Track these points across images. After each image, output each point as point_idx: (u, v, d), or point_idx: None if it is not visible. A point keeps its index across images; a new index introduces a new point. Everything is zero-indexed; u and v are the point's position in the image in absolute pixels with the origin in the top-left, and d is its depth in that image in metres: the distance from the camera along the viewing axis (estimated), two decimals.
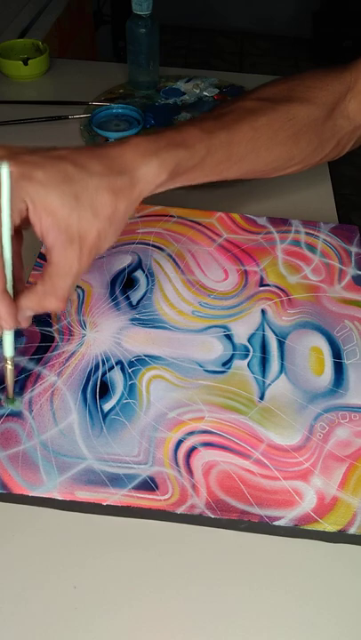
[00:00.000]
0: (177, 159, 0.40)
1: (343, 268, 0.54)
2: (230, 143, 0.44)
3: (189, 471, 0.39)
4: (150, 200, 0.60)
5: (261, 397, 0.43)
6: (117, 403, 0.42)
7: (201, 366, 0.45)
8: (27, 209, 0.34)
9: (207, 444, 0.40)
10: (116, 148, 0.38)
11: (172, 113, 0.77)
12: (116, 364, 0.45)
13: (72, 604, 0.34)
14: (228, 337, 0.47)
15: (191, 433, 0.41)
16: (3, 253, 0.35)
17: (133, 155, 0.38)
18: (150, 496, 0.37)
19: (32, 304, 0.37)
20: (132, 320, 0.48)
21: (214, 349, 0.46)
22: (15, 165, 0.34)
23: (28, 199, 0.34)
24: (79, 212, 0.35)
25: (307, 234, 0.57)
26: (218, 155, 0.43)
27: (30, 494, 0.37)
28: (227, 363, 0.45)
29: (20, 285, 0.39)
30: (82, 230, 0.35)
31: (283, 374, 0.45)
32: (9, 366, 0.41)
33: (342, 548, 0.37)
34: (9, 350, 0.41)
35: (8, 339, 0.40)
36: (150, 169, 0.38)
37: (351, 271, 0.53)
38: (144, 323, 0.48)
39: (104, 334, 0.47)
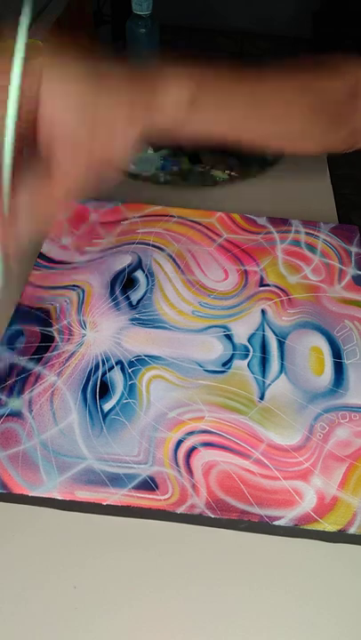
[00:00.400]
0: (199, 84, 0.38)
1: (343, 267, 0.54)
2: (253, 95, 0.43)
3: (189, 471, 0.39)
4: (150, 200, 0.60)
5: (261, 397, 0.43)
6: (117, 403, 0.42)
7: (201, 366, 0.45)
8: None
9: (207, 444, 0.40)
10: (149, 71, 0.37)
11: None
12: (116, 363, 0.45)
13: (72, 603, 0.34)
14: (228, 337, 0.47)
15: (191, 433, 0.41)
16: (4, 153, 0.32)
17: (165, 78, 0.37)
18: (150, 496, 0.37)
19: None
20: (132, 320, 0.48)
21: (214, 349, 0.46)
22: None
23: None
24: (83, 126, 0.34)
25: (307, 234, 0.57)
26: (237, 105, 0.42)
27: (30, 494, 0.37)
28: (227, 363, 0.45)
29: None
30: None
31: (283, 374, 0.45)
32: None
33: (342, 547, 0.37)
34: None
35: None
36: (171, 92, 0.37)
37: (351, 271, 0.53)
38: (144, 323, 0.48)
39: (104, 334, 0.47)
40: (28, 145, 0.35)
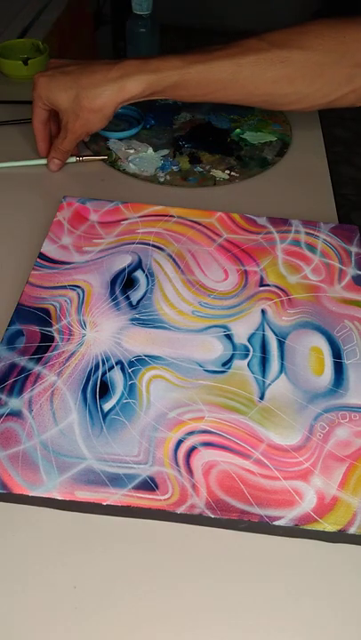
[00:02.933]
0: (149, 81, 0.57)
1: (343, 267, 0.54)
2: (208, 74, 0.57)
3: (189, 471, 0.39)
4: (150, 200, 0.60)
5: (261, 397, 0.43)
6: (117, 402, 0.42)
7: (201, 366, 0.45)
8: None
9: (207, 444, 0.40)
10: (115, 63, 0.59)
11: (172, 113, 0.77)
12: (116, 363, 0.45)
13: (72, 603, 0.34)
14: (228, 337, 0.47)
15: (191, 433, 0.41)
16: None
17: (127, 67, 0.58)
18: (150, 496, 0.37)
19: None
20: (132, 320, 0.48)
21: (214, 349, 0.46)
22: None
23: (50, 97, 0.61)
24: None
25: (307, 234, 0.57)
26: (193, 82, 0.58)
27: (30, 494, 0.37)
28: (227, 363, 0.45)
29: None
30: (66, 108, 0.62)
31: (283, 374, 0.45)
32: None
33: (342, 547, 0.37)
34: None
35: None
36: (129, 81, 0.58)
37: (351, 271, 0.53)
38: (144, 323, 0.48)
39: (104, 334, 0.47)
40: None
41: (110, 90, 0.57)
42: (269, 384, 0.44)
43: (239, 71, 0.56)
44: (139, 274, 0.52)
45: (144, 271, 0.52)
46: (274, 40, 0.57)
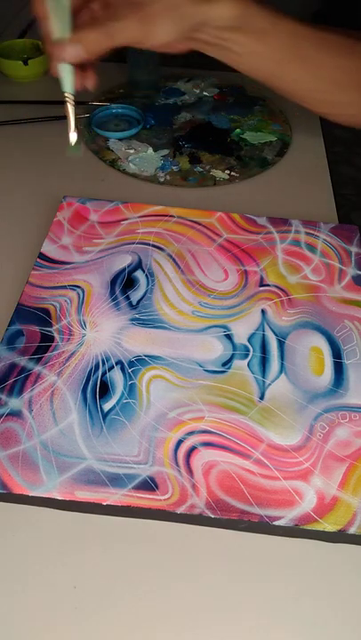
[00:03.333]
0: (249, 9, 0.44)
1: (343, 267, 0.54)
2: (296, 35, 0.47)
3: (189, 471, 0.39)
4: (150, 200, 0.60)
5: (261, 397, 0.43)
6: (117, 402, 0.42)
7: (201, 366, 0.45)
8: None
9: (207, 444, 0.40)
10: None
11: (172, 113, 0.77)
12: (116, 363, 0.45)
13: (72, 603, 0.34)
14: (228, 337, 0.47)
15: (191, 433, 0.41)
16: None
17: None
18: (150, 496, 0.37)
19: (82, 34, 0.43)
20: (132, 320, 0.48)
21: (214, 349, 0.46)
22: None
23: None
24: None
25: (307, 234, 0.57)
26: (282, 37, 0.46)
27: (30, 494, 0.37)
28: (227, 363, 0.45)
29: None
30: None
31: (283, 374, 0.45)
32: (68, 101, 0.44)
33: (342, 547, 0.37)
34: (67, 85, 0.44)
35: (64, 72, 0.44)
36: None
37: (351, 271, 0.53)
38: (144, 323, 0.48)
39: (104, 334, 0.47)
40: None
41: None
42: (269, 384, 0.44)
43: (322, 45, 0.48)
44: (139, 274, 0.52)
45: (144, 271, 0.52)
46: (347, 32, 0.50)
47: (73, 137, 0.46)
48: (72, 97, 0.44)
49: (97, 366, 0.44)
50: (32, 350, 0.45)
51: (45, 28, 0.43)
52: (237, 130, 0.74)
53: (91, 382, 0.43)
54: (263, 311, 0.49)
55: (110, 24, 0.42)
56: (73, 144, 0.46)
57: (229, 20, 0.44)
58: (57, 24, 0.42)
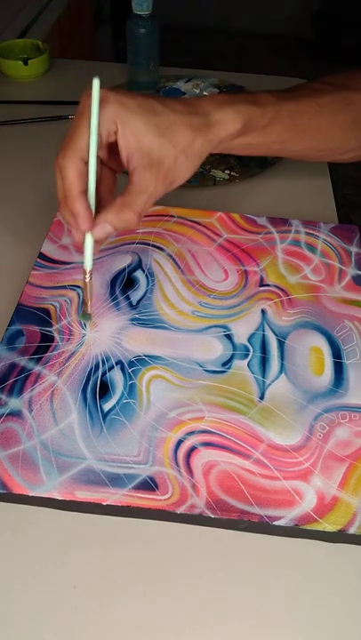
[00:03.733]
0: (250, 113, 0.45)
1: (343, 267, 0.54)
2: (296, 112, 0.48)
3: (189, 471, 0.39)
4: None
5: (261, 397, 0.43)
6: (117, 402, 0.42)
7: (201, 366, 0.45)
8: (115, 132, 0.40)
9: (207, 444, 0.40)
10: (195, 98, 0.44)
11: None
12: (116, 363, 0.45)
13: (72, 603, 0.34)
14: (228, 337, 0.47)
15: (191, 433, 0.41)
16: (89, 162, 0.39)
17: (210, 103, 0.43)
18: (150, 496, 0.37)
19: (111, 216, 0.41)
20: (132, 320, 0.48)
21: (214, 349, 0.46)
22: (113, 93, 0.40)
23: (118, 121, 0.39)
24: (160, 140, 0.40)
25: (307, 234, 0.57)
26: (285, 121, 0.48)
27: (30, 494, 0.37)
28: (227, 363, 0.45)
29: (100, 204, 0.43)
30: (161, 156, 0.40)
31: (283, 374, 0.45)
32: (87, 279, 0.44)
33: (342, 547, 0.37)
34: (88, 263, 0.43)
35: (88, 249, 0.42)
36: (225, 115, 0.43)
37: (351, 271, 0.53)
38: (144, 323, 0.48)
39: (104, 334, 0.47)
40: (110, 165, 0.44)
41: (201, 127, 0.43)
42: (269, 384, 0.44)
43: (320, 112, 0.49)
44: (139, 274, 0.52)
45: (144, 271, 0.52)
46: (334, 82, 0.52)
47: (89, 309, 0.46)
48: (91, 273, 0.44)
49: (97, 366, 0.44)
50: (32, 350, 0.45)
51: (71, 204, 0.40)
52: None
53: (91, 382, 0.43)
54: (263, 311, 0.49)
55: (138, 200, 0.41)
56: (88, 314, 0.46)
57: (237, 131, 0.45)
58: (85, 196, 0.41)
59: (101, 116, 0.39)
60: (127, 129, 0.40)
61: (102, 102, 0.39)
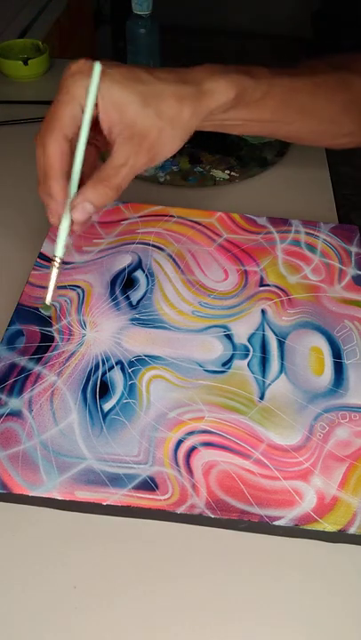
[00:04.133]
0: (243, 84, 0.42)
1: (343, 267, 0.54)
2: (291, 89, 0.46)
3: (189, 471, 0.39)
4: (150, 200, 0.60)
5: (261, 397, 0.43)
6: (117, 402, 0.42)
7: (201, 366, 0.45)
8: (97, 104, 0.37)
9: (207, 444, 0.40)
10: (187, 67, 0.41)
11: None
12: (116, 363, 0.45)
13: (72, 603, 0.34)
14: (228, 337, 0.47)
15: (191, 433, 0.41)
16: (78, 145, 0.37)
17: (202, 71, 0.41)
18: (150, 496, 0.37)
19: (89, 192, 0.38)
20: (132, 320, 0.48)
21: (214, 349, 0.46)
22: (98, 63, 0.37)
23: (98, 93, 0.37)
24: (144, 110, 0.37)
25: (307, 234, 0.57)
26: (279, 96, 0.45)
27: (30, 494, 0.37)
28: (227, 363, 0.45)
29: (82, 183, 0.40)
30: (144, 128, 0.38)
31: (283, 374, 0.45)
32: (55, 266, 0.41)
33: (342, 547, 0.37)
34: (60, 249, 0.40)
35: (62, 235, 0.40)
36: (218, 85, 0.41)
37: (351, 271, 0.53)
38: (144, 323, 0.48)
39: (104, 334, 0.47)
40: (93, 142, 0.41)
41: (192, 96, 0.40)
42: (269, 384, 0.44)
43: (316, 91, 0.48)
44: (139, 274, 0.52)
45: (144, 271, 0.52)
46: (334, 62, 0.50)
47: (48, 299, 0.42)
48: (60, 261, 0.41)
49: (97, 366, 0.44)
50: (32, 350, 0.45)
51: (49, 184, 0.38)
52: None
53: (91, 382, 0.43)
54: (263, 311, 0.49)
55: (116, 174, 0.39)
56: (48, 304, 0.42)
57: (229, 102, 0.42)
58: (65, 181, 0.39)
59: (81, 87, 0.36)
60: (108, 100, 0.37)
61: (83, 73, 0.36)
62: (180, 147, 0.41)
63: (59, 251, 0.41)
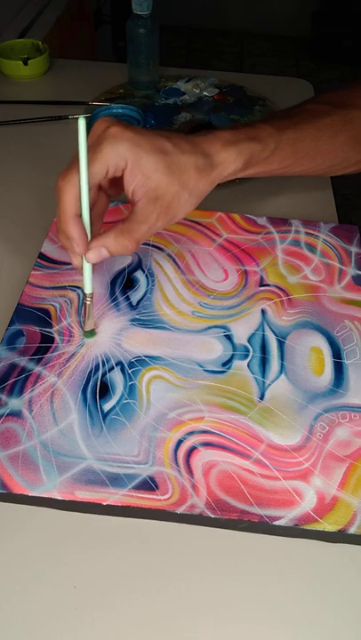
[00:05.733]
0: (251, 151, 0.46)
1: (343, 267, 0.54)
2: (296, 140, 0.50)
3: (189, 471, 0.39)
4: None
5: (261, 397, 0.43)
6: (117, 403, 0.42)
7: (201, 366, 0.45)
8: (123, 168, 0.41)
9: (207, 444, 0.40)
10: (202, 136, 0.45)
11: (172, 113, 0.77)
12: (116, 364, 0.45)
13: (72, 603, 0.34)
14: (228, 337, 0.47)
15: (191, 433, 0.41)
16: (81, 193, 0.40)
17: (215, 144, 0.45)
18: (150, 496, 0.37)
19: (110, 240, 0.42)
20: (132, 320, 0.48)
21: (214, 349, 0.46)
22: (128, 132, 0.41)
23: (129, 159, 0.41)
24: (169, 178, 0.42)
25: (307, 234, 0.57)
26: (285, 150, 0.49)
27: (30, 494, 0.37)
28: (227, 363, 0.45)
29: (95, 229, 0.44)
30: (167, 193, 0.42)
31: (283, 374, 0.45)
32: (88, 302, 0.45)
33: (342, 547, 0.37)
34: (88, 286, 0.44)
35: (87, 274, 0.43)
36: (229, 156, 0.45)
37: (351, 271, 0.53)
38: (144, 323, 0.48)
39: (104, 335, 0.47)
40: (108, 192, 0.45)
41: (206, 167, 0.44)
42: (269, 384, 0.44)
43: (319, 136, 0.51)
44: (139, 274, 0.52)
45: (144, 271, 0.52)
46: (331, 101, 0.53)
47: (88, 327, 0.46)
48: (92, 296, 0.45)
49: (97, 367, 0.44)
50: (32, 351, 0.45)
51: (66, 227, 0.41)
52: None
53: (91, 383, 0.43)
54: (263, 311, 0.49)
55: (138, 229, 0.42)
56: (90, 331, 0.46)
57: (238, 169, 0.46)
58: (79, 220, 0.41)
59: (113, 151, 0.40)
60: (137, 167, 0.41)
61: (117, 139, 0.41)
62: (192, 210, 0.45)
63: (87, 288, 0.44)
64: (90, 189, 0.41)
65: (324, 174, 0.56)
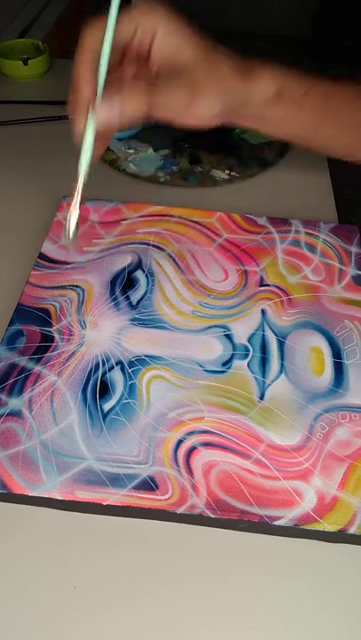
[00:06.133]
0: (285, 81, 0.44)
1: (343, 267, 0.54)
2: (331, 93, 0.47)
3: (189, 471, 0.39)
4: (150, 200, 0.60)
5: (261, 397, 0.43)
6: (117, 403, 0.42)
7: (201, 366, 0.45)
8: (152, 38, 0.39)
9: (207, 444, 0.40)
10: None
11: None
12: (116, 364, 0.45)
13: (72, 603, 0.34)
14: (228, 337, 0.47)
15: (191, 433, 0.41)
16: (103, 48, 0.38)
17: (253, 60, 0.44)
18: (150, 496, 0.37)
19: (124, 92, 0.39)
20: (132, 320, 0.48)
21: (214, 349, 0.46)
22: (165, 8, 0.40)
23: (161, 26, 0.39)
24: (202, 57, 0.41)
25: (307, 234, 0.57)
26: (318, 98, 0.46)
27: (30, 494, 0.37)
28: (227, 363, 0.45)
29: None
30: (196, 75, 0.40)
31: (283, 374, 0.45)
32: (80, 181, 0.40)
33: (342, 547, 0.37)
34: (84, 163, 0.39)
35: (87, 145, 0.39)
36: (265, 75, 0.43)
37: (351, 271, 0.53)
38: (144, 323, 0.48)
39: (104, 334, 0.47)
40: (138, 60, 0.42)
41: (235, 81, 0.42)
42: (269, 384, 0.44)
43: (355, 102, 0.48)
44: (139, 274, 0.52)
45: (144, 271, 0.52)
46: None
47: (73, 222, 0.42)
48: (82, 184, 0.40)
49: (97, 366, 0.44)
50: (32, 350, 0.45)
51: (79, 91, 0.39)
52: (237, 130, 0.74)
53: (91, 382, 0.43)
54: (263, 311, 0.49)
55: (155, 90, 0.39)
56: (71, 235, 0.42)
57: (270, 95, 0.44)
58: (93, 86, 0.38)
59: (147, 14, 0.38)
60: (170, 35, 0.39)
61: (152, 6, 0.39)
62: (214, 112, 0.41)
63: (83, 164, 0.40)
64: (113, 51, 0.38)
65: (347, 155, 0.53)
